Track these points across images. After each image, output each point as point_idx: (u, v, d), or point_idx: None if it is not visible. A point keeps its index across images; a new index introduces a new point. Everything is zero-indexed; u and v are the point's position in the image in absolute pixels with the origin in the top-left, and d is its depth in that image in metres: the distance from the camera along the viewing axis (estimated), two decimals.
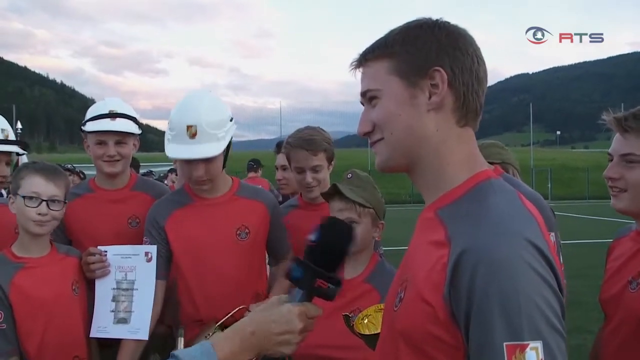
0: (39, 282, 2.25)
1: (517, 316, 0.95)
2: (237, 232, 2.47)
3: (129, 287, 2.45)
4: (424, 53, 1.16)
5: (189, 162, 2.40)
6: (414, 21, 1.22)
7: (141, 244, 2.51)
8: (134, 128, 2.68)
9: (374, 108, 1.22)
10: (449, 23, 1.21)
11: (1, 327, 2.16)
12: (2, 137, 2.57)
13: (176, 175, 6.22)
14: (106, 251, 2.46)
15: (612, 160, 1.93)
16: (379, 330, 1.41)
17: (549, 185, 38.66)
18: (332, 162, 2.78)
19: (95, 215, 2.63)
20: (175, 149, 2.37)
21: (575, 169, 47.28)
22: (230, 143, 2.48)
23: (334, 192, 2.31)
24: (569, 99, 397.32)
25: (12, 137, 2.62)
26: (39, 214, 2.23)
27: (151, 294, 2.44)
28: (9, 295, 2.18)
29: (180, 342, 2.15)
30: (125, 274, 2.45)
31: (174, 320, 2.53)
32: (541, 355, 0.93)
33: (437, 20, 1.21)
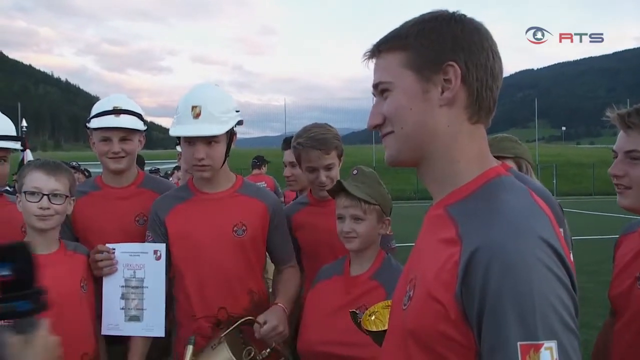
0: (47, 278, 2.24)
1: (532, 315, 0.93)
2: (234, 228, 2.47)
3: (138, 285, 2.45)
4: (438, 47, 1.14)
5: (191, 144, 2.40)
6: (429, 13, 1.20)
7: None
8: (139, 124, 2.68)
9: (386, 101, 1.21)
10: (465, 16, 1.18)
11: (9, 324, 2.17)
12: None
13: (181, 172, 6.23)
14: (114, 249, 2.46)
15: (616, 157, 1.92)
16: (386, 327, 1.41)
17: (554, 181, 38.52)
18: (342, 158, 2.76)
19: (102, 212, 2.63)
20: (179, 129, 2.41)
21: (580, 165, 47.07)
22: (233, 137, 2.50)
23: (339, 189, 2.30)
24: (574, 94, 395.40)
25: (2, 132, 2.57)
26: (41, 208, 2.25)
27: (162, 292, 2.45)
28: None
29: (189, 350, 2.14)
30: (134, 272, 2.46)
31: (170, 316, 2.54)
32: (555, 355, 0.92)
33: (453, 12, 1.19)
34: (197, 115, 2.37)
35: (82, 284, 2.38)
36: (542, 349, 0.92)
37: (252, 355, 2.20)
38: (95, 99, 2.74)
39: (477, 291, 0.98)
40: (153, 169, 9.02)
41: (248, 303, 2.46)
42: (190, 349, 2.16)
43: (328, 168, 2.67)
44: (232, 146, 2.52)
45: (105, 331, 2.45)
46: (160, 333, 2.44)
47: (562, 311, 0.95)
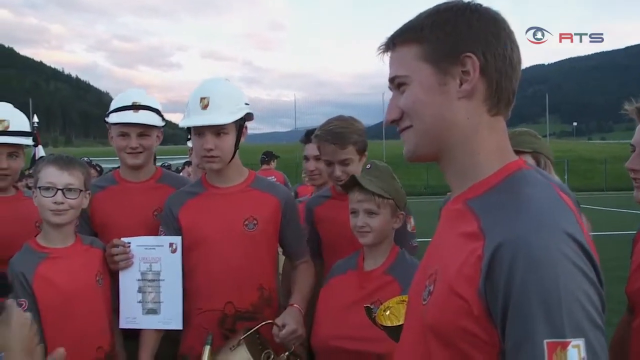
0: (62, 272, 2.27)
1: (558, 312, 0.91)
2: (245, 222, 2.46)
3: (154, 278, 2.46)
4: (454, 38, 1.12)
5: (200, 135, 2.40)
6: (444, 4, 1.17)
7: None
8: (156, 120, 2.68)
9: (402, 95, 1.19)
10: (480, 6, 1.15)
11: None
12: (0, 129, 2.56)
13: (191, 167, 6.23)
14: (129, 243, 2.47)
15: (634, 151, 1.88)
16: (401, 322, 1.39)
17: (566, 176, 38.25)
18: (365, 153, 2.72)
19: (121, 207, 2.64)
20: (187, 120, 2.42)
21: (592, 161, 46.70)
22: (243, 130, 2.49)
23: (353, 184, 2.29)
24: (585, 89, 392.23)
25: (14, 128, 2.59)
26: (55, 202, 2.25)
27: (179, 285, 2.45)
28: (33, 285, 2.21)
29: (207, 350, 2.14)
30: (150, 265, 2.46)
31: None
32: (583, 354, 0.90)
33: (468, 2, 1.15)
34: (205, 107, 2.38)
35: (97, 278, 2.38)
36: (570, 347, 0.90)
37: (270, 358, 2.19)
38: (105, 95, 2.75)
39: (502, 287, 0.96)
40: (165, 164, 9.02)
41: (256, 299, 2.45)
42: (207, 349, 2.16)
43: (344, 163, 2.64)
44: (242, 140, 2.51)
45: (123, 325, 2.47)
46: (178, 325, 2.44)
47: (589, 307, 0.93)
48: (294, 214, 2.63)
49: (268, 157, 9.42)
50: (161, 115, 2.73)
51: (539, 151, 2.64)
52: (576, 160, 45.30)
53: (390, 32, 1.22)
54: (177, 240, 2.45)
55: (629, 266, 2.02)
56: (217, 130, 2.38)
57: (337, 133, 2.62)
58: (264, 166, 9.27)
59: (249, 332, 2.19)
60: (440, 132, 1.16)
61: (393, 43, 1.20)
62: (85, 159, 9.62)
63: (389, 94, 1.26)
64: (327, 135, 2.63)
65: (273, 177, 7.70)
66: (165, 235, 2.50)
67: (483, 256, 1.00)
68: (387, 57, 1.23)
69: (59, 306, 2.24)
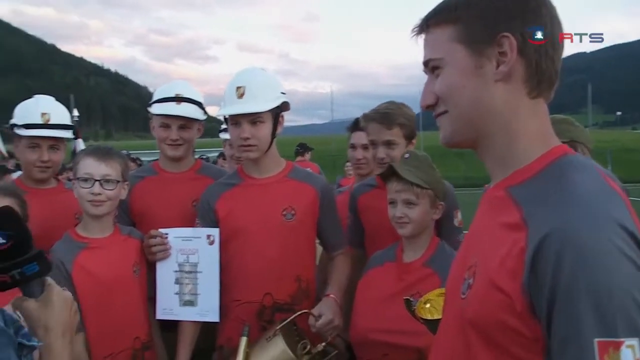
0: (100, 262, 2.29)
1: (610, 309, 0.84)
2: (283, 213, 2.44)
3: (192, 270, 2.45)
4: (490, 17, 1.06)
5: (237, 125, 2.39)
6: None
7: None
8: (198, 113, 2.68)
9: (437, 79, 1.13)
10: None
11: None
12: (41, 122, 2.59)
13: (224, 159, 6.24)
14: (167, 234, 2.47)
15: None
16: (442, 316, 1.34)
17: (609, 167, 37.21)
18: (413, 141, 2.68)
19: (160, 197, 2.65)
20: (224, 109, 2.42)
21: (637, 151, 45.30)
22: (279, 120, 2.46)
23: (391, 173, 2.24)
24: (629, 78, 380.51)
25: (55, 121, 2.62)
26: (92, 193, 2.27)
27: (216, 277, 2.44)
28: (72, 274, 2.24)
29: (243, 341, 2.13)
30: (187, 257, 2.46)
31: None
32: (638, 355, 0.83)
33: None
34: (241, 95, 2.37)
35: (134, 268, 2.40)
36: (623, 347, 0.83)
37: (307, 349, 2.18)
38: (144, 89, 2.77)
39: (548, 281, 0.89)
40: (203, 157, 9.09)
41: (295, 290, 2.43)
42: (244, 340, 2.15)
43: (389, 144, 2.60)
44: (279, 130, 2.49)
45: (159, 316, 2.48)
46: (215, 318, 2.44)
47: None
48: (332, 205, 2.60)
49: (302, 148, 9.40)
50: (203, 109, 2.72)
51: (577, 140, 2.48)
52: (620, 150, 43.99)
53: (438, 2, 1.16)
54: (214, 232, 2.44)
55: None
56: (253, 118, 2.37)
57: (384, 113, 2.60)
58: (299, 158, 9.26)
59: (284, 322, 2.18)
60: (476, 117, 1.10)
61: (427, 24, 1.15)
62: (124, 152, 9.80)
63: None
64: (373, 115, 2.63)
65: (308, 168, 7.67)
66: (201, 227, 2.50)
67: (527, 248, 0.93)
68: (421, 39, 1.17)
69: (97, 295, 2.26)
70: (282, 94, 2.46)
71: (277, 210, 2.44)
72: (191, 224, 2.53)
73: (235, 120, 2.40)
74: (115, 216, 2.48)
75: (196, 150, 9.04)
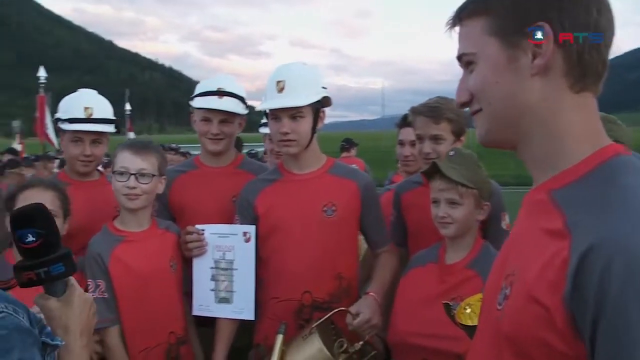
0: (137, 255, 2.31)
1: None
2: (324, 209, 2.39)
3: (227, 267, 2.43)
4: (524, 6, 0.97)
5: (277, 119, 2.36)
6: None
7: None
8: (240, 108, 2.65)
9: (471, 74, 1.06)
10: None
11: (103, 296, 2.24)
12: (84, 116, 2.60)
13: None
14: (203, 230, 2.46)
15: None
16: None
17: None
18: (461, 138, 2.59)
19: (199, 192, 2.64)
20: (263, 104, 2.40)
21: None
22: (320, 115, 2.42)
23: (434, 171, 2.16)
24: None
25: (98, 115, 2.63)
26: (128, 187, 2.28)
27: (252, 274, 2.42)
28: (109, 267, 2.25)
29: (279, 339, 2.11)
30: (224, 254, 2.44)
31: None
32: None
33: None
34: (281, 90, 2.33)
35: (171, 263, 2.40)
36: None
37: (343, 347, 2.13)
38: (197, 84, 2.76)
39: (592, 295, 0.80)
40: (252, 151, 9.12)
41: (335, 288, 2.38)
42: (280, 338, 2.12)
43: (435, 139, 2.52)
44: (320, 125, 2.44)
45: (195, 312, 2.47)
46: (250, 316, 2.42)
47: None
48: (374, 200, 2.54)
49: (348, 144, 9.29)
50: (245, 103, 2.70)
51: (619, 140, 2.32)
52: None
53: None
54: (251, 229, 2.42)
55: None
56: (293, 113, 2.33)
57: (433, 107, 2.52)
58: (344, 154, 9.15)
59: (320, 320, 2.14)
60: (513, 116, 1.01)
61: (459, 17, 1.07)
62: (174, 145, 9.97)
63: None
64: (421, 108, 2.55)
65: (355, 165, 7.55)
66: (240, 224, 2.48)
67: (569, 259, 0.84)
68: (455, 33, 1.10)
69: (133, 289, 2.27)
70: (323, 89, 2.41)
71: (317, 206, 2.39)
72: (230, 220, 2.51)
73: (275, 114, 2.36)
74: (154, 210, 2.49)
75: (248, 144, 9.13)
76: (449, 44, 1.11)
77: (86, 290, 2.27)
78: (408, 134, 2.96)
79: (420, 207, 2.50)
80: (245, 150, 9.19)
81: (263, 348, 2.37)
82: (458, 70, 1.12)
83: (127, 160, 2.30)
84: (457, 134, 2.55)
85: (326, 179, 2.46)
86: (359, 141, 9.84)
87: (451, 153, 2.20)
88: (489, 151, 1.17)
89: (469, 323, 1.63)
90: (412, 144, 2.90)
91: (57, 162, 8.84)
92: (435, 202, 2.18)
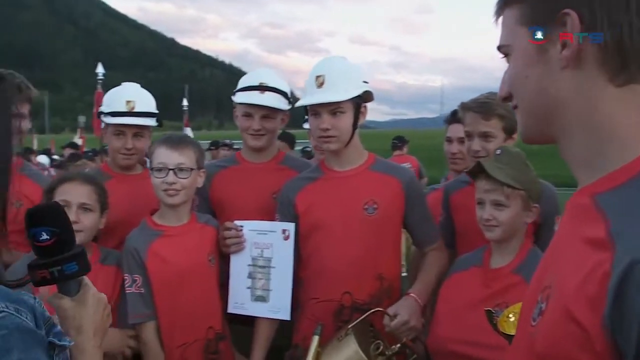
0: (175, 250, 2.31)
1: None
2: (365, 207, 2.33)
3: (265, 265, 2.40)
4: None
5: (317, 115, 2.32)
6: None
7: None
8: (282, 104, 2.61)
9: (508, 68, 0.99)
10: None
11: (140, 291, 2.26)
12: (126, 110, 2.62)
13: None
14: (242, 226, 2.43)
15: None
16: None
17: None
18: (513, 136, 2.47)
19: (239, 187, 2.62)
20: (303, 100, 2.36)
21: None
22: (361, 111, 2.36)
23: (479, 170, 2.06)
24: None
25: (140, 109, 2.64)
26: (167, 182, 2.27)
27: (290, 273, 2.38)
28: (146, 262, 2.26)
29: (315, 340, 2.07)
30: (262, 251, 2.41)
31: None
32: None
33: None
34: (320, 85, 2.29)
35: (209, 257, 2.39)
36: None
37: (380, 349, 2.07)
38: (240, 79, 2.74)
39: (636, 315, 0.70)
40: (307, 148, 9.01)
41: (376, 289, 2.32)
42: (316, 339, 2.09)
43: (485, 136, 2.41)
44: (362, 120, 2.38)
45: (231, 309, 2.45)
46: (286, 316, 2.38)
47: None
48: (419, 197, 2.47)
49: (400, 142, 9.09)
50: (288, 98, 2.66)
51: None
52: None
53: None
54: (290, 227, 2.38)
55: None
56: (333, 109, 2.28)
57: (483, 102, 2.42)
58: (397, 152, 8.95)
59: (356, 322, 2.09)
60: (545, 112, 0.93)
61: (500, 7, 0.99)
62: (227, 141, 10.07)
63: None
64: (472, 104, 2.46)
65: (408, 163, 7.37)
66: (280, 221, 2.45)
67: (611, 273, 0.74)
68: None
69: (171, 283, 2.27)
70: (364, 83, 2.35)
71: (358, 205, 2.34)
72: (269, 216, 2.48)
73: (314, 110, 2.32)
74: (195, 205, 2.49)
75: (301, 141, 9.10)
76: None
77: (123, 285, 2.30)
78: (457, 130, 2.87)
79: (469, 207, 2.39)
80: (298, 148, 9.14)
81: (301, 349, 2.33)
82: None
83: (164, 155, 2.29)
84: (509, 132, 2.43)
85: (368, 175, 2.40)
86: (417, 139, 9.65)
87: (498, 151, 2.10)
88: (544, 150, 1.08)
89: (512, 332, 1.54)
90: (461, 141, 2.81)
91: None
92: (480, 203, 2.09)
